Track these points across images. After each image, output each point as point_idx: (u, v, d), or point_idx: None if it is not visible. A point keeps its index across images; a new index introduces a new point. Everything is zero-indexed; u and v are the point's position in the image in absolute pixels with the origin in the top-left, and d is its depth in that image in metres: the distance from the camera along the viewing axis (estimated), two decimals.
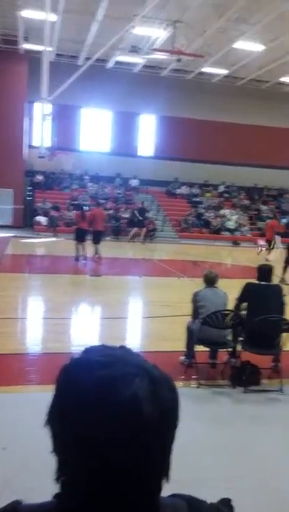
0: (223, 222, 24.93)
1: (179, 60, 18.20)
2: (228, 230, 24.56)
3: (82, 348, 0.77)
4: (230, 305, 5.48)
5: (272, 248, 16.08)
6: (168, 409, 0.71)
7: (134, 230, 21.46)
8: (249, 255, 18.93)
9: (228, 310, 5.37)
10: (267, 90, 25.83)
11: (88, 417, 0.67)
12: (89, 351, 0.75)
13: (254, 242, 23.56)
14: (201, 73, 23.84)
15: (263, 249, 16.21)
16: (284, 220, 25.60)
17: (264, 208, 26.95)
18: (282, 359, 5.45)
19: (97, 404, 0.67)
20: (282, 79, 23.81)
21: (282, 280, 11.06)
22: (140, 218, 21.74)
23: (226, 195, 27.48)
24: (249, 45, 18.91)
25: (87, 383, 0.69)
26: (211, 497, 1.21)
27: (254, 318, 5.15)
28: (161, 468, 0.72)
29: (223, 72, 23.34)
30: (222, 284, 5.84)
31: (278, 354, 5.32)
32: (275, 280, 6.13)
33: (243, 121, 26.37)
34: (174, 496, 0.88)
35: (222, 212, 25.69)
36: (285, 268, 12.02)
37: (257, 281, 5.54)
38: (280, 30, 17.18)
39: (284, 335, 5.24)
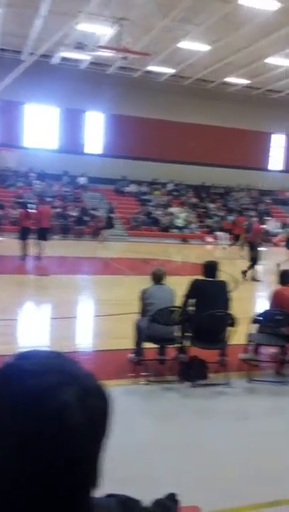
0: (171, 219, 25.20)
1: (124, 58, 18.21)
2: (177, 227, 24.85)
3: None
4: (179, 302, 5.54)
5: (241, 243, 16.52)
6: (97, 418, 0.74)
7: (107, 231, 21.09)
8: (198, 252, 19.26)
9: (176, 306, 5.43)
10: (212, 90, 26.32)
11: (20, 423, 0.68)
12: (22, 357, 0.75)
13: (202, 239, 24.08)
14: (148, 72, 23.94)
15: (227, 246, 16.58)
16: (230, 218, 26.25)
17: (211, 205, 27.49)
18: (228, 353, 5.58)
19: (28, 412, 0.68)
20: (227, 79, 24.34)
21: (244, 275, 11.69)
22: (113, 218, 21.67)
23: (175, 193, 27.79)
24: (194, 45, 19.17)
25: (18, 392, 0.70)
26: (158, 493, 1.22)
27: (201, 314, 5.24)
28: (92, 474, 0.74)
29: (170, 71, 23.55)
30: (172, 281, 5.90)
31: (224, 348, 5.43)
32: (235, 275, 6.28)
33: (190, 121, 26.77)
34: (109, 496, 0.89)
35: (171, 210, 25.96)
36: (250, 266, 12.29)
37: (203, 278, 5.64)
38: (224, 31, 17.54)
39: (229, 329, 5.36)
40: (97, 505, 0.78)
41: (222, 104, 27.01)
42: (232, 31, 17.41)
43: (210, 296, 5.45)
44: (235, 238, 17.68)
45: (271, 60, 20.24)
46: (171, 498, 2.14)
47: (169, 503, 2.03)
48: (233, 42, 18.48)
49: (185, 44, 18.98)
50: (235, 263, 16.91)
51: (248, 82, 24.44)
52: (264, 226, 14.23)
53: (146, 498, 1.92)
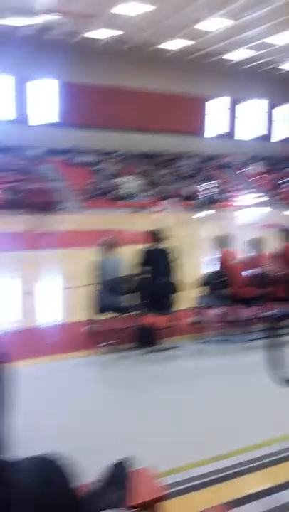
0: (124, 189, 25.07)
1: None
2: (129, 196, 24.78)
3: None
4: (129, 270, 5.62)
5: None
6: None
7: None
8: (150, 220, 19.29)
9: (127, 275, 5.54)
10: (151, 55, 26.01)
11: None
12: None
13: (154, 207, 24.10)
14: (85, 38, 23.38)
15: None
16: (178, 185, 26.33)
17: (161, 173, 27.42)
18: (179, 318, 5.74)
19: None
20: (165, 44, 23.94)
21: None
22: None
23: (124, 162, 27.53)
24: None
25: None
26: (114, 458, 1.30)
27: (155, 282, 5.36)
28: None
29: (113, 33, 22.95)
30: (129, 250, 5.92)
31: (174, 313, 5.59)
32: None
33: (135, 88, 26.50)
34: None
35: (121, 179, 25.78)
36: None
37: (152, 246, 5.74)
38: None
39: (177, 295, 5.53)
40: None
41: (163, 69, 26.82)
42: None
43: (160, 263, 5.59)
44: None
45: (205, 24, 20.05)
46: (121, 464, 2.29)
47: (119, 469, 2.19)
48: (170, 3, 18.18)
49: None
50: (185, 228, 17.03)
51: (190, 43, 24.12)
52: None
53: (104, 464, 1.99)
